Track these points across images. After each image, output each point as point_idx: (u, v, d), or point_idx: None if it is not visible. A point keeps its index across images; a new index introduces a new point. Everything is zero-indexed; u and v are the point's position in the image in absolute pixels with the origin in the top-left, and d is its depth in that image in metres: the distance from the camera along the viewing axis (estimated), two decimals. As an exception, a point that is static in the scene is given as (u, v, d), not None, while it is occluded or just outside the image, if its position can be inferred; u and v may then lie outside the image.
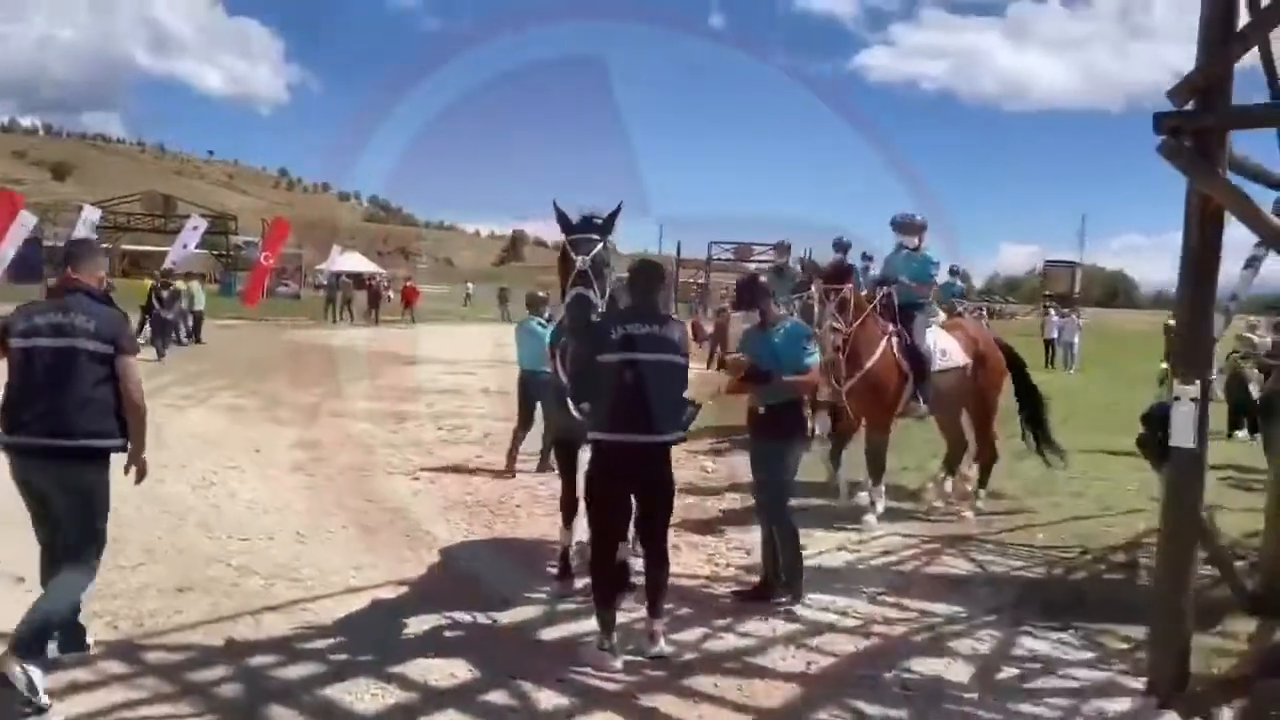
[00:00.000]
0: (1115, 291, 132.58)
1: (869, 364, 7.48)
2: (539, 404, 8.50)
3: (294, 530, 6.77)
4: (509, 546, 6.74)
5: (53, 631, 4.11)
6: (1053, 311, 30.80)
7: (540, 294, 10.13)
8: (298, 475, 8.75)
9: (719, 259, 57.83)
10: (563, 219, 4.98)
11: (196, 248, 34.75)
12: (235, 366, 18.17)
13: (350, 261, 73.21)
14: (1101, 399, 17.18)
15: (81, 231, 33.82)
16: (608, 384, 4.62)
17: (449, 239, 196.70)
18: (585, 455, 4.96)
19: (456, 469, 9.40)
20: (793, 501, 7.12)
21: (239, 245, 52.02)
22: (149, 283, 21.71)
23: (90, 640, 4.44)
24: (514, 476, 9.10)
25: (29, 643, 3.89)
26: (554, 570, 5.91)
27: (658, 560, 4.77)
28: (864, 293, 7.96)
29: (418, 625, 4.99)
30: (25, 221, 29.36)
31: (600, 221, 4.96)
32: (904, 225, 8.42)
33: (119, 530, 6.49)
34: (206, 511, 7.25)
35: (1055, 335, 25.82)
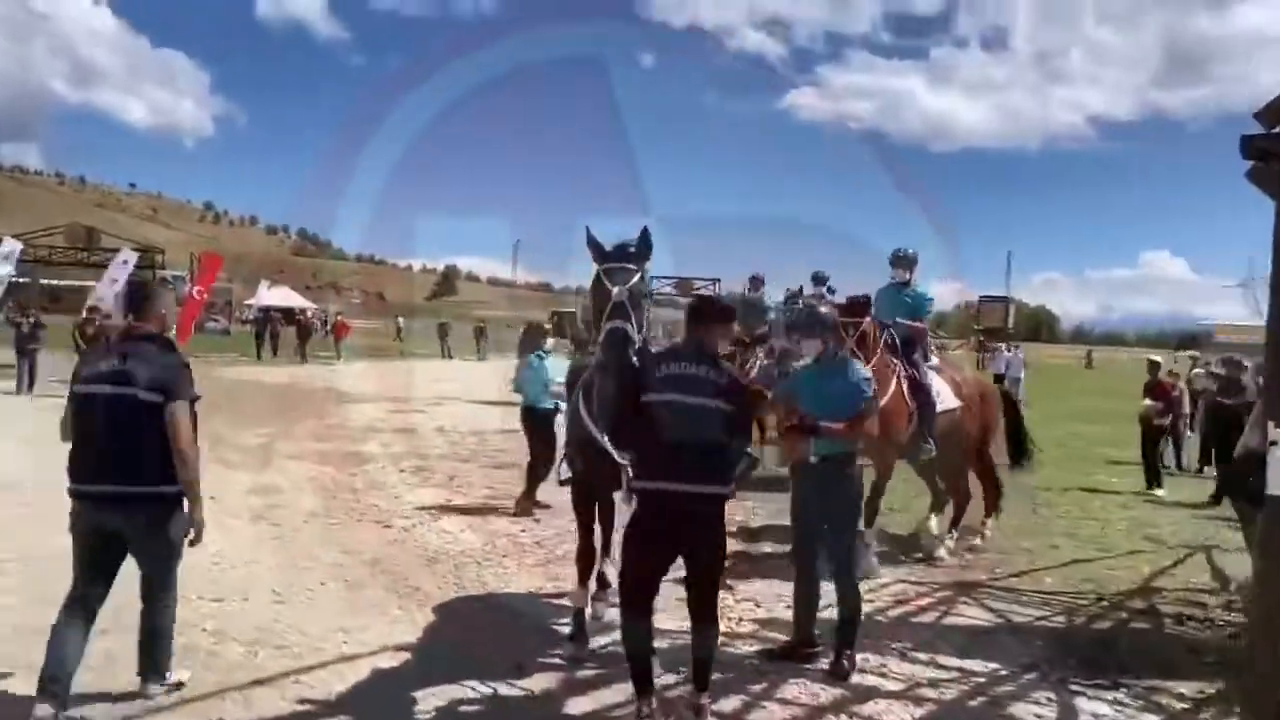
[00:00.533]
0: (1039, 326, 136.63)
1: (882, 402, 7.20)
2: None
3: (269, 588, 6.17)
4: (506, 603, 6.22)
5: (168, 650, 4.41)
6: (1004, 346, 31.23)
7: (544, 325, 9.84)
8: (260, 525, 8.10)
9: (660, 293, 57.94)
10: (595, 247, 4.58)
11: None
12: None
13: (279, 296, 71.84)
14: (1054, 434, 17.30)
15: (2, 265, 32.33)
16: (646, 427, 4.22)
17: (379, 273, 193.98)
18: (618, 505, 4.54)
19: (429, 514, 8.85)
20: (771, 549, 6.78)
21: (166, 280, 50.24)
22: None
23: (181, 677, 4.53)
24: (538, 520, 8.77)
25: (156, 667, 4.34)
26: (566, 630, 5.43)
27: (706, 626, 4.30)
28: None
29: (428, 700, 4.47)
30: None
31: (635, 249, 4.57)
32: (899, 259, 8.23)
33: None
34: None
35: (1004, 369, 26.09)
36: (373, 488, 10.12)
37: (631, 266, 4.49)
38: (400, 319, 65.20)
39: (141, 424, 4.11)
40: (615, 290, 4.39)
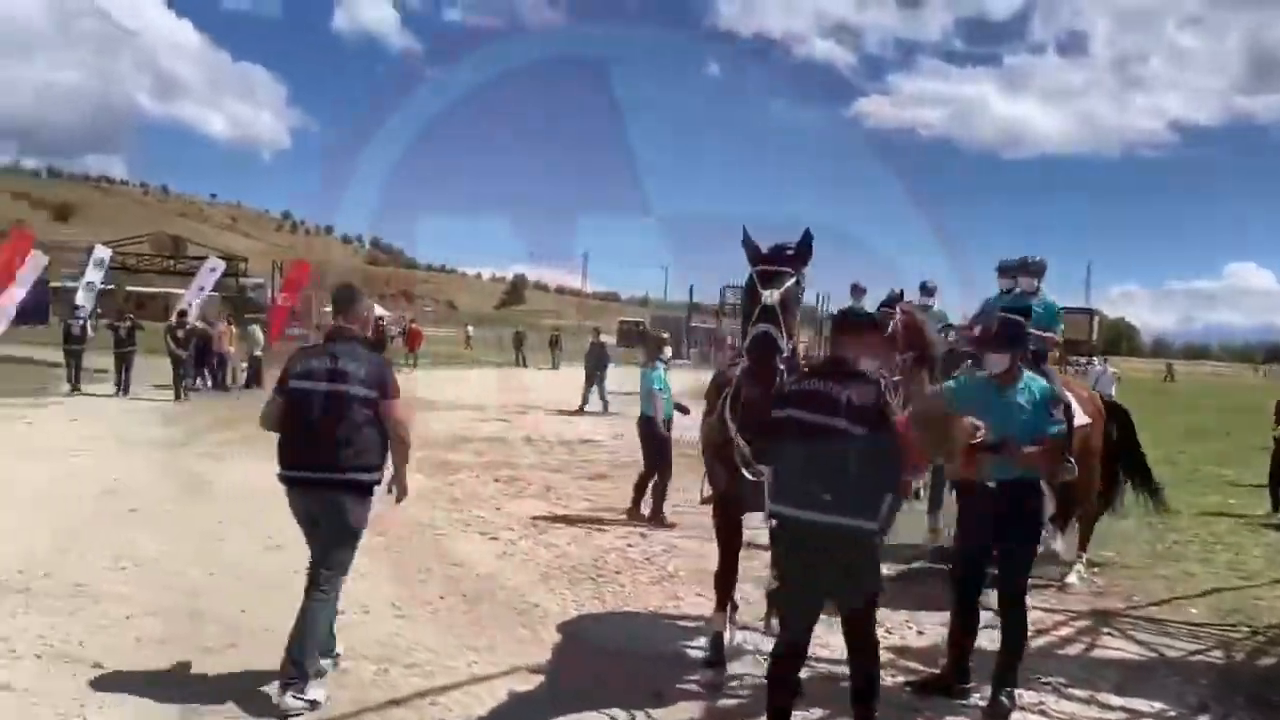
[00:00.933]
0: (1119, 338, 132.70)
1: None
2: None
3: (388, 601, 6.06)
4: (630, 623, 6.02)
5: (319, 647, 4.54)
6: (1091, 360, 30.19)
7: (663, 334, 9.74)
8: (367, 533, 8.01)
9: (732, 303, 57.48)
10: (750, 247, 4.34)
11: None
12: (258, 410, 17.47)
13: (356, 304, 73.27)
14: (1160, 453, 16.55)
15: (93, 271, 33.44)
16: (779, 444, 3.96)
17: (450, 282, 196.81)
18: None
19: (533, 526, 8.71)
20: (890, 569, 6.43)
21: (248, 287, 51.44)
22: (201, 326, 21.12)
23: (339, 650, 4.85)
24: (671, 527, 8.71)
25: (304, 668, 4.37)
26: (699, 653, 5.20)
27: (863, 660, 3.99)
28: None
29: (572, 728, 4.29)
30: (36, 263, 29.01)
31: (793, 251, 4.32)
32: (1025, 267, 7.75)
33: (195, 602, 5.86)
34: (283, 579, 6.51)
35: (1094, 385, 25.14)
36: (472, 498, 10.01)
37: (787, 270, 4.24)
38: (469, 327, 66.01)
39: (351, 417, 4.45)
40: (765, 294, 4.15)
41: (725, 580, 5.01)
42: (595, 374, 21.08)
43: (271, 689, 4.43)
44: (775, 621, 5.69)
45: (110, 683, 4.50)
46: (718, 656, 4.95)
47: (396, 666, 4.93)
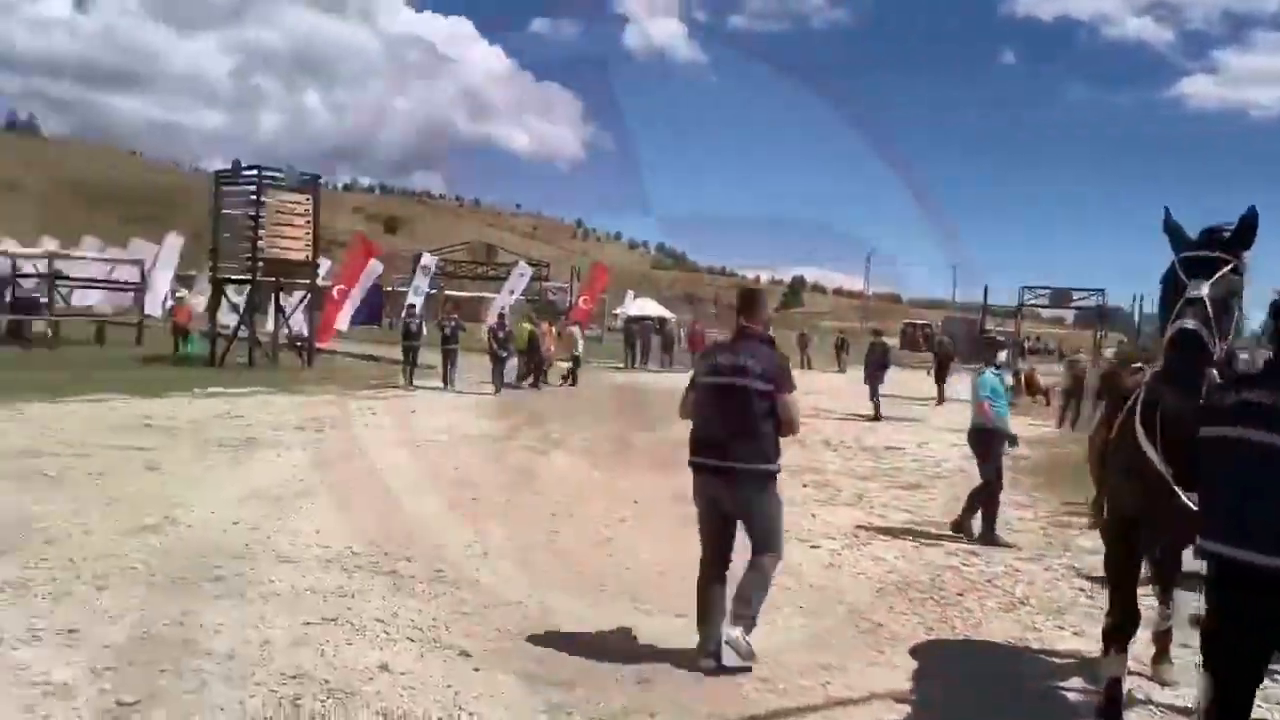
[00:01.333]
0: None
1: None
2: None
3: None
4: (988, 654, 5.46)
5: (757, 610, 4.89)
6: None
7: (998, 337, 9.06)
8: (689, 530, 7.98)
9: (1030, 304, 53.44)
10: (1174, 232, 3.65)
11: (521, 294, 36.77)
12: (572, 406, 18.32)
13: (643, 306, 75.85)
14: None
15: (420, 277, 36.89)
16: (1210, 470, 3.27)
17: (730, 285, 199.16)
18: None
19: (854, 537, 8.30)
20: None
21: (550, 290, 54.83)
22: (528, 327, 22.55)
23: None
24: (1009, 547, 8.14)
25: (753, 611, 4.84)
26: (1074, 695, 4.59)
27: None
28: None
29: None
30: (373, 269, 32.52)
31: (1229, 235, 3.56)
32: None
33: (544, 595, 5.96)
34: (618, 576, 6.61)
35: None
36: (785, 502, 9.73)
37: (1221, 257, 3.52)
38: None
39: (752, 410, 4.76)
40: (1190, 284, 3.46)
41: (1124, 619, 4.32)
42: (876, 375, 20.26)
43: (723, 629, 4.76)
44: (1169, 668, 4.96)
45: (479, 671, 4.64)
46: (1112, 708, 4.29)
47: (752, 681, 4.71)
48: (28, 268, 29.22)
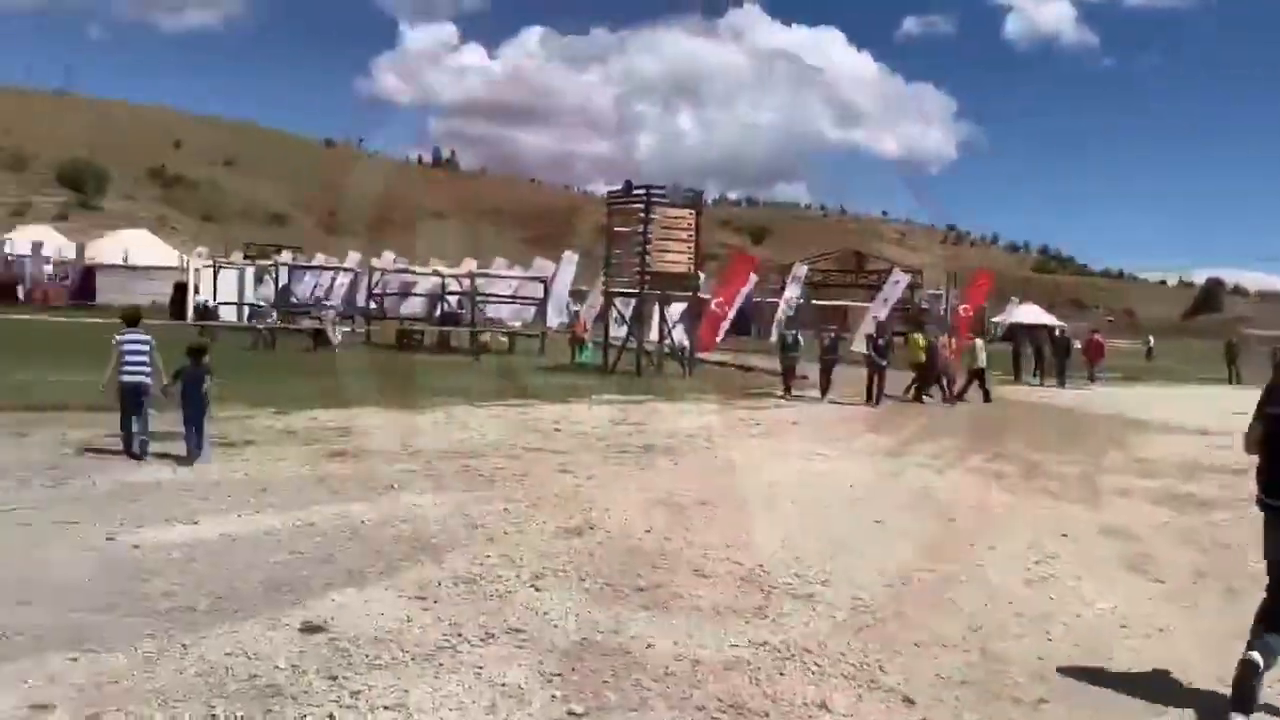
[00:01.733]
0: None
1: None
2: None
3: (1212, 677, 4.90)
4: None
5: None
6: None
7: None
8: (1138, 577, 6.92)
9: None
10: None
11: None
12: (966, 422, 17.15)
13: (1028, 313, 70.32)
14: None
15: (792, 287, 37.03)
16: None
17: (1127, 289, 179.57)
18: None
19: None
20: None
21: (924, 299, 52.61)
22: (921, 338, 21.58)
23: None
24: None
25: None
26: None
27: None
28: None
29: None
30: (751, 283, 33.25)
31: None
32: None
33: (983, 639, 5.35)
34: (1069, 624, 5.75)
35: None
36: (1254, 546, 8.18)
37: None
38: (1150, 338, 59.23)
39: None
40: None
41: None
42: None
43: None
44: None
45: (926, 722, 4.19)
46: None
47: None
48: (453, 286, 33.36)
